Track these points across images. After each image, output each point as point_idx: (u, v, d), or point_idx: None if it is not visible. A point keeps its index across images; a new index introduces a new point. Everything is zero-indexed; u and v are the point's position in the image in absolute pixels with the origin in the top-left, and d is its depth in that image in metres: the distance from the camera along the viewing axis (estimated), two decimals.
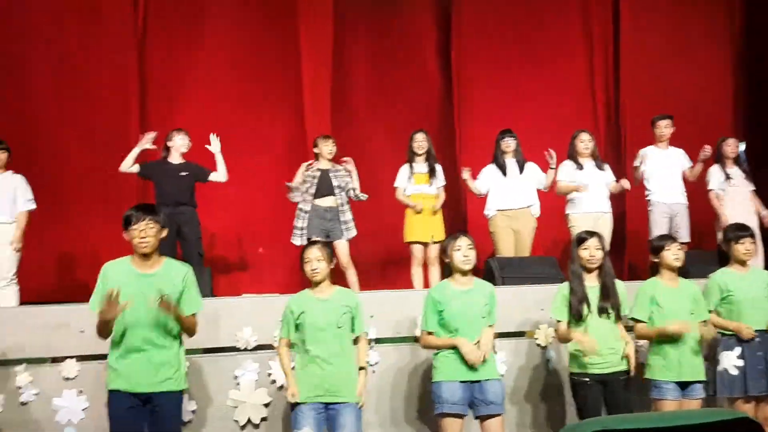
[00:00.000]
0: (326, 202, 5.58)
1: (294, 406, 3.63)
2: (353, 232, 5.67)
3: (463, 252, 3.76)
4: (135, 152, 5.38)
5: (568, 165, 5.82)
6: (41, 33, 6.39)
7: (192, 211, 5.42)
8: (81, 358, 4.19)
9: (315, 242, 3.97)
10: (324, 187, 5.58)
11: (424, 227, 5.77)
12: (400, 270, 6.24)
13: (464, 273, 3.80)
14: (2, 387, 4.04)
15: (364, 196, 5.63)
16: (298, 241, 5.53)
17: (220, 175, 5.51)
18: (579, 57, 7.41)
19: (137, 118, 6.53)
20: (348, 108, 7.10)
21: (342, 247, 5.57)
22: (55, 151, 6.17)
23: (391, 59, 7.21)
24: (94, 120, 6.44)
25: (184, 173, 5.42)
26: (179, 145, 5.44)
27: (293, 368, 3.71)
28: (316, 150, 5.71)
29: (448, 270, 3.96)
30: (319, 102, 6.87)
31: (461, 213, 6.89)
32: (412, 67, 7.24)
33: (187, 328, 3.47)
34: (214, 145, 5.51)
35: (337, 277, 4.62)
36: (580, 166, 5.79)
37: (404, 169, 5.90)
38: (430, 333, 3.80)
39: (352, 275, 5.64)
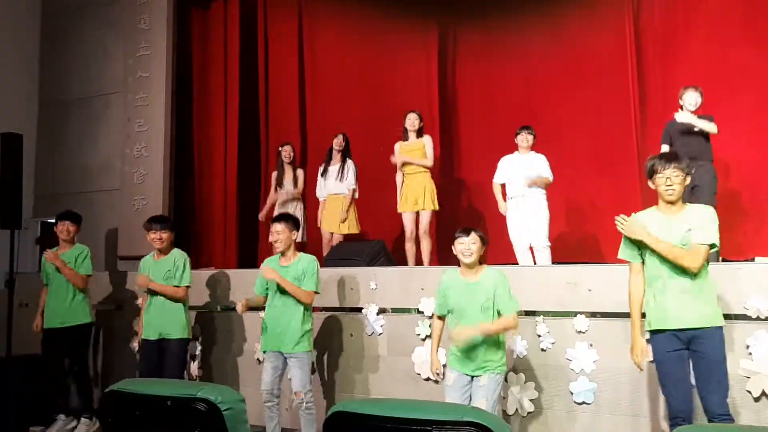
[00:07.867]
0: None
1: None
2: None
3: None
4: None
5: None
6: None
7: (708, 164, 5.36)
8: (590, 315, 4.53)
9: None
10: None
11: None
12: None
13: None
14: (526, 334, 4.67)
15: None
16: None
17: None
18: None
19: (635, 81, 6.66)
20: None
21: None
22: (562, 124, 6.74)
23: None
24: (594, 91, 6.82)
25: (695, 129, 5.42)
26: (687, 102, 5.49)
27: None
28: None
29: None
30: None
31: None
32: None
33: None
34: None
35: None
36: None
37: None
38: None
39: None
